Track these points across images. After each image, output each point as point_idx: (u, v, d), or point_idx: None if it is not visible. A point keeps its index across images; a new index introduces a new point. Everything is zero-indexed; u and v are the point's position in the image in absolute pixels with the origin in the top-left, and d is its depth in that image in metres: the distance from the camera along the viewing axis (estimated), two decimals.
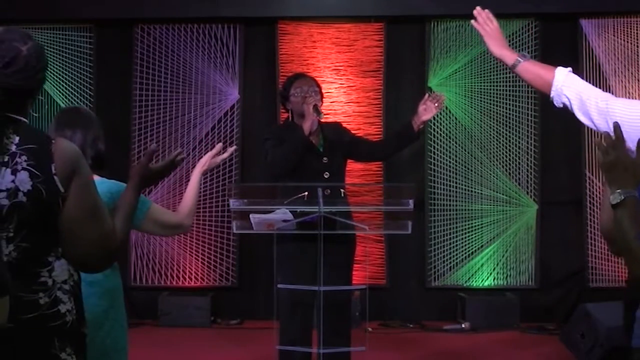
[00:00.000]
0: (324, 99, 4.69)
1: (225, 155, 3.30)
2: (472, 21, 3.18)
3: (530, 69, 3.08)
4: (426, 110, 4.49)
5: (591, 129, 6.90)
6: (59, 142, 2.10)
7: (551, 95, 3.00)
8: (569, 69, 3.04)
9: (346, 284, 4.45)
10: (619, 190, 2.17)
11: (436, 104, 4.50)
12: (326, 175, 4.45)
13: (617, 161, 2.20)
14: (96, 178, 2.96)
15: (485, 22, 3.15)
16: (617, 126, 2.24)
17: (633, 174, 2.19)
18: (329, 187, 4.34)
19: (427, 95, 4.61)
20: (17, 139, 2.03)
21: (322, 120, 4.51)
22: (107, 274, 2.95)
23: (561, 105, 3.01)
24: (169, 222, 3.05)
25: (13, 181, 2.00)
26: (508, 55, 3.12)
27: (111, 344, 2.94)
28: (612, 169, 2.21)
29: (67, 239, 2.06)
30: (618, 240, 2.18)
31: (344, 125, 5.04)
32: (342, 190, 4.45)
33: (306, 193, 4.06)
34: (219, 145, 3.30)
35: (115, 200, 2.94)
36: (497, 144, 7.09)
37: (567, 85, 2.96)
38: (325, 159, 4.48)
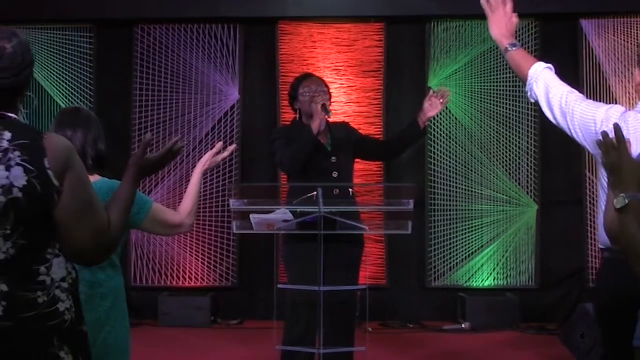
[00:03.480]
0: (331, 99, 4.69)
1: (226, 154, 3.29)
2: (482, 0, 3.19)
3: (515, 59, 3.14)
4: (431, 106, 4.50)
5: None
6: (51, 136, 2.09)
7: (526, 89, 3.07)
8: (548, 65, 3.08)
9: (354, 284, 4.45)
10: (622, 194, 2.15)
11: (441, 100, 4.51)
12: (335, 174, 4.46)
13: (620, 163, 2.18)
14: (96, 178, 2.97)
15: (496, 4, 3.17)
16: (617, 128, 2.21)
17: (636, 177, 2.17)
18: (337, 187, 4.35)
19: (431, 91, 4.62)
20: (8, 135, 2.03)
21: (330, 120, 4.53)
22: (109, 274, 2.95)
23: (532, 100, 3.07)
24: (170, 222, 3.05)
25: (7, 177, 1.99)
26: (501, 41, 3.17)
27: (113, 345, 2.93)
28: (615, 172, 2.19)
29: (62, 233, 2.06)
30: (625, 244, 2.16)
31: None
32: (350, 190, 4.46)
33: (315, 193, 4.05)
34: (219, 144, 3.29)
35: None
36: (497, 144, 7.09)
37: (537, 81, 3.03)
38: (333, 158, 4.49)
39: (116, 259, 3.00)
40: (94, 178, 2.95)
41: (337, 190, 4.34)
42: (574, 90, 3.02)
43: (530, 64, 3.08)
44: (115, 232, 2.15)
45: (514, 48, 3.12)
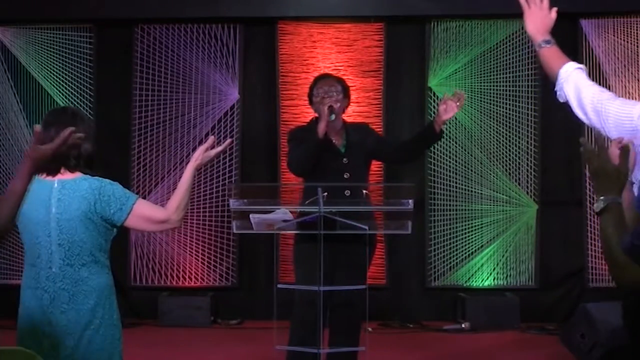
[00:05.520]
0: (349, 97, 4.68)
1: (220, 148, 3.17)
2: None
3: (547, 57, 3.14)
4: (447, 110, 4.51)
5: (591, 129, 6.92)
6: None
7: (555, 89, 3.05)
8: (580, 66, 3.06)
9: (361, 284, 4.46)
10: (602, 197, 2.24)
11: (457, 103, 4.52)
12: (346, 175, 4.46)
13: (599, 168, 2.26)
14: (77, 175, 2.96)
15: (533, 1, 3.20)
16: (598, 135, 2.30)
17: (616, 181, 2.25)
18: (348, 188, 4.36)
19: (446, 94, 4.64)
20: None
21: (350, 121, 4.52)
22: (93, 272, 2.93)
23: (562, 100, 3.06)
24: (155, 218, 3.00)
25: None
26: (535, 37, 3.18)
27: (101, 343, 2.92)
28: (596, 177, 2.28)
29: None
30: (603, 246, 2.24)
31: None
32: (364, 191, 4.46)
33: (326, 194, 4.04)
34: (211, 139, 3.16)
35: (98, 196, 2.94)
36: (497, 144, 7.09)
37: (568, 82, 3.01)
38: (345, 159, 4.49)
39: (102, 257, 2.97)
40: (74, 175, 2.95)
41: (349, 192, 4.35)
42: (605, 89, 3.01)
43: (561, 63, 3.07)
44: (2, 225, 2.11)
45: (547, 45, 3.13)
